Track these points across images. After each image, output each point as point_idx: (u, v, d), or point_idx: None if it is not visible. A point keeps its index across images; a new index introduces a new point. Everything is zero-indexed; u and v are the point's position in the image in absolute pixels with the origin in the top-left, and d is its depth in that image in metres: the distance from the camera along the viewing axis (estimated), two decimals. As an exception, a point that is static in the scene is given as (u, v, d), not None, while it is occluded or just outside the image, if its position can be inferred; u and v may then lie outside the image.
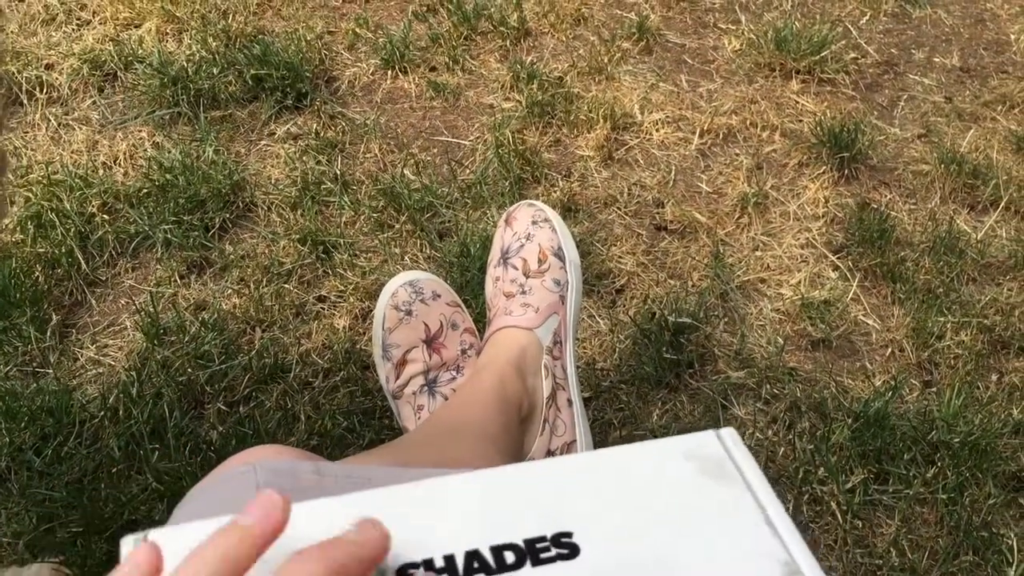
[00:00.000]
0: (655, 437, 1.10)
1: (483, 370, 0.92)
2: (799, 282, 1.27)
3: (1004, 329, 1.22)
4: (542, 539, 0.38)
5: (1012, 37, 1.68)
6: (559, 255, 1.00)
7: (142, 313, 1.18)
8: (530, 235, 1.01)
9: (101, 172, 1.35)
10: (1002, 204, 1.37)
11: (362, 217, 1.31)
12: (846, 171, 1.41)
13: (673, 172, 1.40)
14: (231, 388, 1.13)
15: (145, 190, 1.31)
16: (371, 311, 1.18)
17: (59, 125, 1.42)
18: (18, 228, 1.25)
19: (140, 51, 1.52)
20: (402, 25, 1.60)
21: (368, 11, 1.65)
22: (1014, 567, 1.01)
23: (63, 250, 1.23)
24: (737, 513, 0.40)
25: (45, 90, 1.46)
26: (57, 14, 1.59)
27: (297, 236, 1.27)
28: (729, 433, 0.44)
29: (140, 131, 1.41)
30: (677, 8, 1.69)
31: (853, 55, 1.60)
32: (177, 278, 1.24)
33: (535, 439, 0.92)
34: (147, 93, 1.44)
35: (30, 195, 1.28)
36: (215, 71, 1.46)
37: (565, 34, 1.62)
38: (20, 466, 1.04)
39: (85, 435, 1.07)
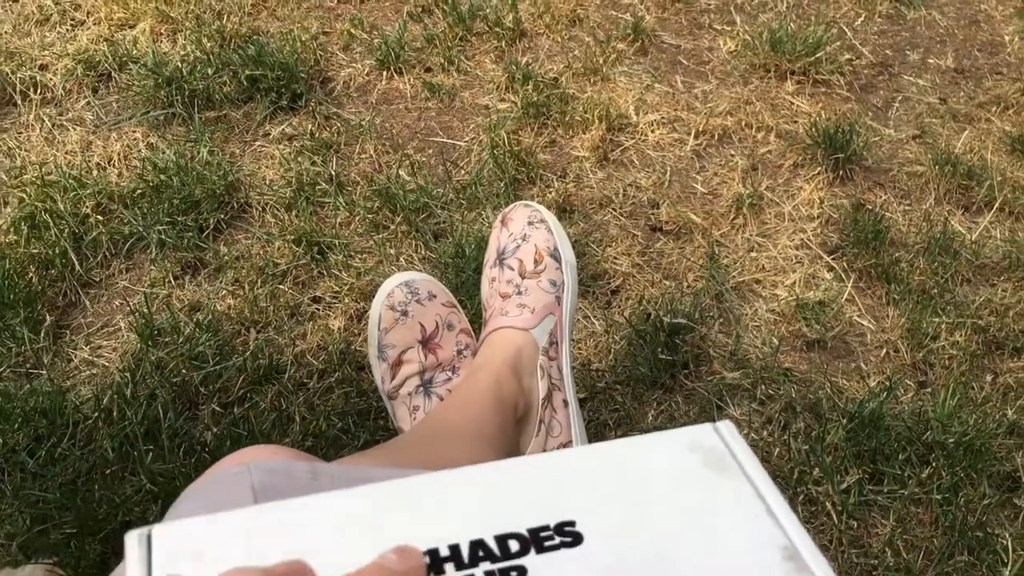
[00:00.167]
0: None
1: (479, 371, 0.91)
2: (794, 283, 1.27)
3: (998, 330, 1.23)
4: (545, 528, 0.38)
5: (1006, 38, 1.69)
6: (555, 256, 1.00)
7: (136, 314, 1.18)
8: (526, 236, 1.01)
9: (95, 173, 1.34)
10: (996, 205, 1.38)
11: (357, 218, 1.31)
12: (841, 172, 1.41)
13: (668, 173, 1.40)
14: (226, 389, 1.12)
15: (139, 191, 1.30)
16: (366, 312, 1.18)
17: (53, 126, 1.42)
18: (12, 229, 1.25)
19: (134, 51, 1.51)
20: (397, 26, 1.60)
21: (363, 12, 1.65)
22: (1009, 567, 1.01)
23: (57, 251, 1.23)
24: (737, 503, 0.40)
25: (39, 91, 1.46)
26: (51, 14, 1.59)
27: (292, 237, 1.27)
28: (726, 426, 0.44)
29: (134, 132, 1.41)
30: (672, 9, 1.69)
31: (848, 56, 1.61)
32: (171, 279, 1.23)
33: (531, 440, 0.92)
34: (141, 94, 1.44)
35: (24, 196, 1.28)
36: (210, 72, 1.46)
37: (560, 35, 1.62)
38: (13, 467, 1.03)
39: (79, 436, 1.07)
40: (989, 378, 1.19)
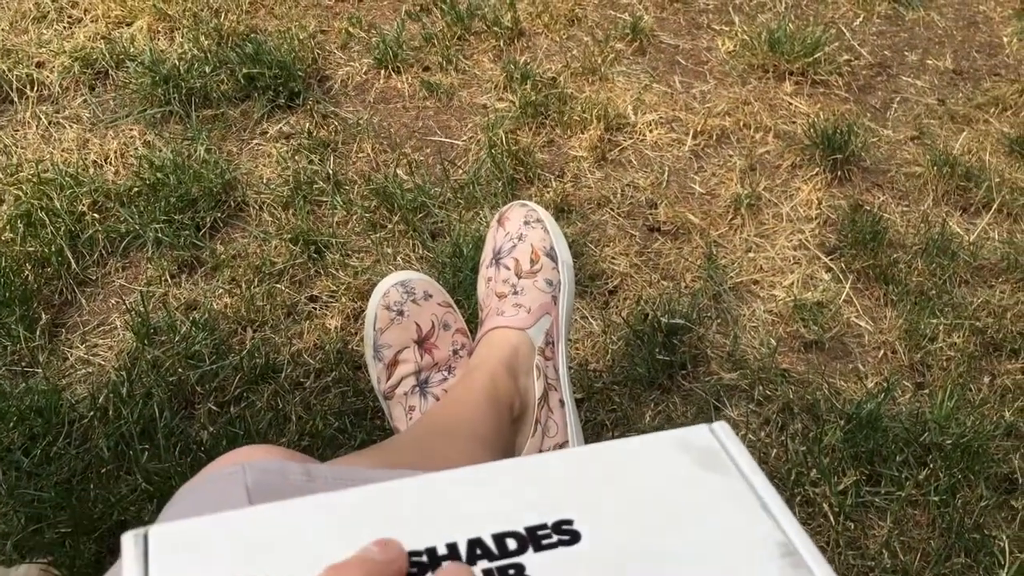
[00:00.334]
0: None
1: (475, 370, 0.91)
2: (792, 284, 1.27)
3: (996, 331, 1.22)
4: (543, 526, 0.38)
5: (1004, 40, 1.69)
6: (551, 255, 1.00)
7: (132, 312, 1.17)
8: (522, 235, 1.01)
9: (92, 171, 1.34)
10: (994, 206, 1.38)
11: (354, 217, 1.30)
12: (839, 173, 1.41)
13: (666, 173, 1.40)
14: (222, 388, 1.12)
15: (136, 189, 1.30)
16: (363, 311, 1.18)
17: (50, 123, 1.42)
18: (8, 226, 1.25)
19: (132, 49, 1.51)
20: (395, 24, 1.60)
21: (361, 10, 1.64)
22: (1006, 569, 1.01)
23: (53, 249, 1.22)
24: (734, 501, 0.40)
25: (36, 88, 1.46)
26: (48, 12, 1.58)
27: (289, 236, 1.26)
28: (721, 426, 0.44)
29: (131, 129, 1.41)
30: (671, 9, 1.69)
31: (846, 57, 1.61)
32: (168, 277, 1.23)
33: (527, 440, 0.92)
34: (138, 91, 1.44)
35: (20, 193, 1.27)
36: (207, 70, 1.46)
37: (559, 34, 1.62)
38: (8, 466, 1.03)
39: (74, 435, 1.06)
40: (987, 380, 1.19)
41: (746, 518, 0.39)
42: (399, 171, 1.37)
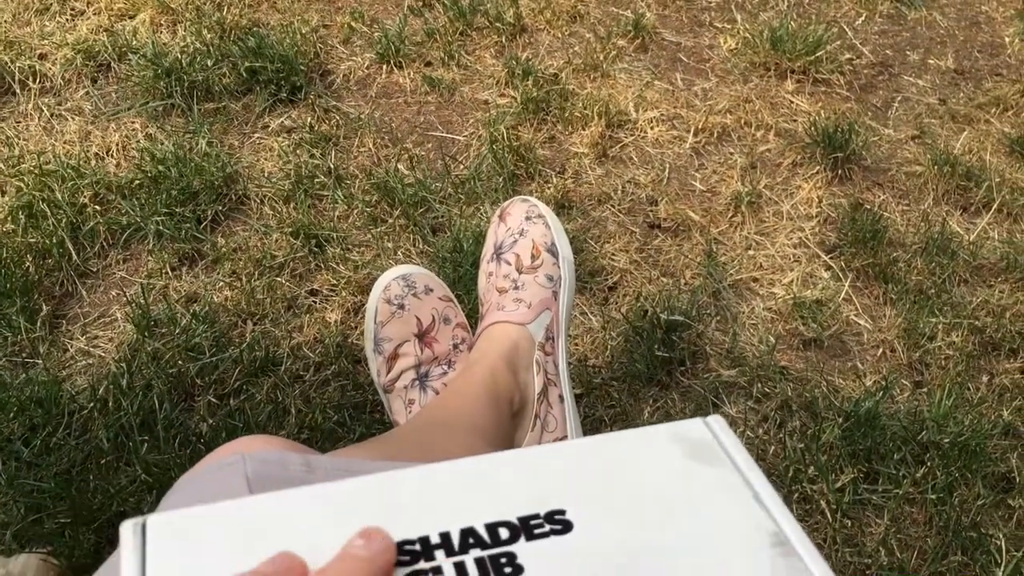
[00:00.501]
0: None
1: (475, 365, 0.91)
2: (791, 281, 1.27)
3: (995, 331, 1.23)
4: (535, 516, 0.38)
5: (1006, 40, 1.69)
6: (552, 251, 1.00)
7: (133, 305, 1.17)
8: (523, 231, 1.01)
9: (93, 163, 1.34)
10: (995, 206, 1.38)
11: (355, 211, 1.31)
12: (840, 171, 1.41)
13: (667, 170, 1.40)
14: (221, 381, 1.12)
15: (137, 181, 1.30)
16: (363, 305, 1.18)
17: (52, 115, 1.42)
18: (9, 218, 1.25)
19: (134, 42, 1.51)
20: (397, 19, 1.60)
21: (363, 5, 1.64)
22: (1002, 567, 1.01)
23: (54, 240, 1.22)
24: (726, 493, 0.40)
25: (38, 80, 1.46)
26: (51, 4, 1.58)
27: (290, 229, 1.26)
28: (716, 420, 0.44)
29: (133, 122, 1.41)
30: (673, 6, 1.69)
31: (848, 56, 1.61)
32: (168, 270, 1.23)
33: (526, 435, 0.92)
34: (140, 84, 1.44)
35: (22, 185, 1.28)
36: (209, 63, 1.46)
37: (561, 31, 1.62)
38: (8, 456, 1.03)
39: (74, 426, 1.07)
40: (985, 379, 1.19)
41: (739, 510, 0.39)
42: (400, 166, 1.37)
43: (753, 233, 1.33)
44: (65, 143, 1.37)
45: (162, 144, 1.35)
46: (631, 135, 1.45)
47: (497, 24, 1.59)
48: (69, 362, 1.14)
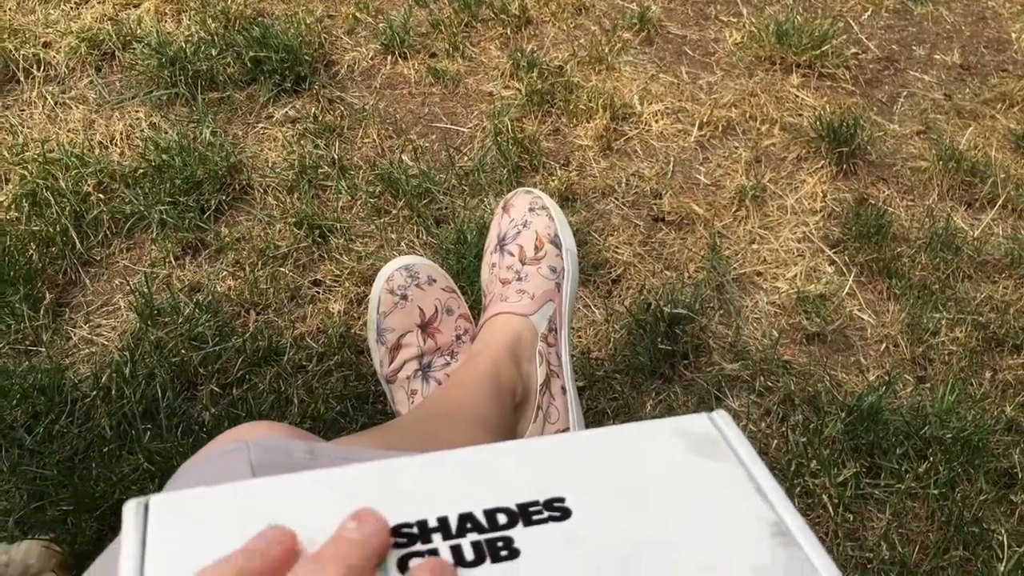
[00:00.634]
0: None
1: (477, 355, 0.91)
2: (795, 276, 1.27)
3: (999, 326, 1.22)
4: (534, 503, 0.38)
5: (1013, 35, 1.68)
6: (555, 243, 1.00)
7: (136, 293, 1.18)
8: (527, 222, 1.01)
9: (97, 151, 1.34)
10: (999, 202, 1.37)
11: (359, 202, 1.31)
12: (844, 166, 1.41)
13: (671, 163, 1.40)
14: (224, 370, 1.12)
15: (141, 170, 1.30)
16: (366, 296, 1.18)
17: (56, 103, 1.42)
18: (13, 206, 1.25)
19: (138, 31, 1.51)
20: (402, 10, 1.60)
21: (369, -4, 1.64)
22: (1004, 563, 1.01)
23: (58, 229, 1.22)
24: (729, 487, 0.40)
25: (42, 68, 1.46)
26: (55, -8, 1.58)
27: (293, 220, 1.26)
28: (721, 414, 0.44)
29: (137, 111, 1.41)
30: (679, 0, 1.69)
31: (854, 50, 1.60)
32: (172, 259, 1.23)
33: (528, 426, 0.92)
34: (145, 73, 1.44)
35: (25, 173, 1.28)
36: (214, 52, 1.46)
37: (566, 23, 1.62)
38: (11, 444, 1.03)
39: (77, 414, 1.07)
40: (988, 375, 1.19)
41: (742, 504, 0.39)
42: (404, 157, 1.37)
43: (757, 227, 1.33)
44: (69, 131, 1.37)
45: (166, 133, 1.35)
46: (636, 128, 1.45)
47: (502, 16, 1.59)
48: (72, 350, 1.15)
